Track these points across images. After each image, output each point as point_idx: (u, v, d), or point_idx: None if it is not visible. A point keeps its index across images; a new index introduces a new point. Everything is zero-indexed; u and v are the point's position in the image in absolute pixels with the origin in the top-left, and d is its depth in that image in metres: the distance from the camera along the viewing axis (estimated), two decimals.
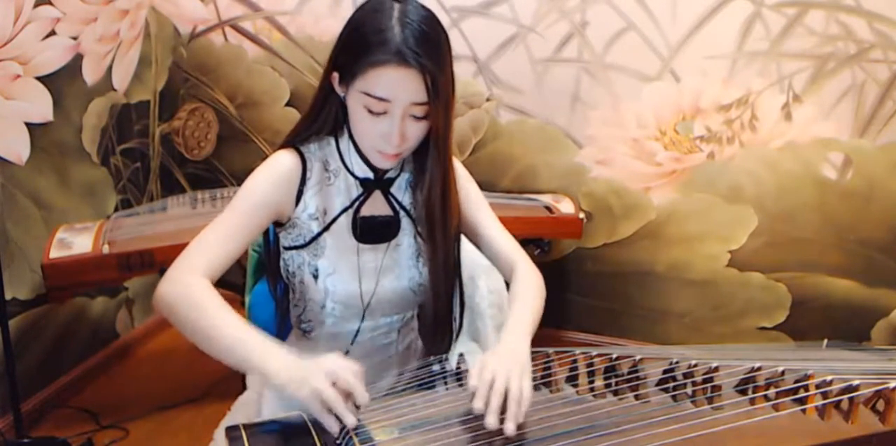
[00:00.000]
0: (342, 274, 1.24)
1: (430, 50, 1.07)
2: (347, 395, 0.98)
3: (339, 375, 0.98)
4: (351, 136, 1.23)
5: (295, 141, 1.23)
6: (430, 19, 1.11)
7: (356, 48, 1.09)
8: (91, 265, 1.86)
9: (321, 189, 1.23)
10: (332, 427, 0.96)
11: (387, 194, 1.27)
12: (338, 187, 1.24)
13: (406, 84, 1.07)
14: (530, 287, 1.22)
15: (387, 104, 1.09)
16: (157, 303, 1.09)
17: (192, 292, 1.07)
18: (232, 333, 1.03)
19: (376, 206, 1.26)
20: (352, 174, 1.24)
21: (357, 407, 0.99)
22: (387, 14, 1.09)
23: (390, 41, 1.06)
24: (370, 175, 1.25)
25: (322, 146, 1.24)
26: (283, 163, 1.20)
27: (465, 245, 1.41)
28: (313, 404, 0.96)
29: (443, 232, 1.24)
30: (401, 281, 1.27)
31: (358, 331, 1.30)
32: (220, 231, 1.16)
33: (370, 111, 1.11)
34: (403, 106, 1.09)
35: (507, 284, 1.29)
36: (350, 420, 0.95)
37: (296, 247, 1.25)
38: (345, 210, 1.24)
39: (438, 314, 1.28)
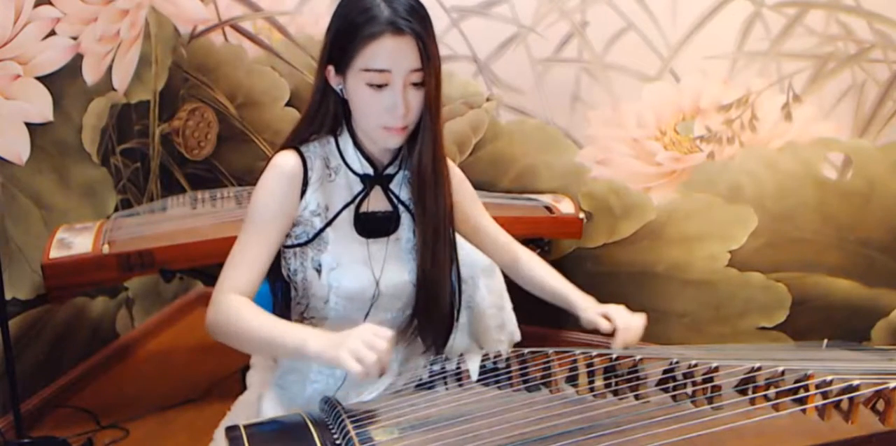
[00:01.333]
0: (345, 268, 1.25)
1: (419, 17, 1.15)
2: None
3: (373, 329, 1.04)
4: (351, 134, 1.25)
5: (294, 142, 1.24)
6: None
7: (348, 32, 1.15)
8: (91, 265, 1.87)
9: (322, 185, 1.25)
10: (371, 371, 1.00)
11: (386, 190, 1.29)
12: (339, 184, 1.26)
13: (403, 51, 1.13)
14: (545, 263, 1.45)
15: (387, 75, 1.14)
16: (208, 328, 1.18)
17: (227, 310, 1.16)
18: (268, 330, 1.12)
19: (376, 202, 1.29)
20: (352, 171, 1.26)
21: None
22: None
23: (380, 15, 1.13)
24: (370, 171, 1.27)
25: (322, 144, 1.26)
26: (284, 165, 1.23)
27: (465, 245, 1.42)
28: (350, 355, 1.00)
29: (434, 197, 1.27)
30: (401, 274, 1.29)
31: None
32: (244, 247, 1.22)
33: (372, 86, 1.15)
34: (403, 74, 1.14)
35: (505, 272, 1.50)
36: (384, 356, 1.01)
37: (298, 245, 1.26)
38: (346, 206, 1.26)
39: (434, 300, 1.30)
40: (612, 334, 1.27)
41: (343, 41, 1.16)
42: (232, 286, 1.18)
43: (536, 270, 1.44)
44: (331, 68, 1.20)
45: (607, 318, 1.29)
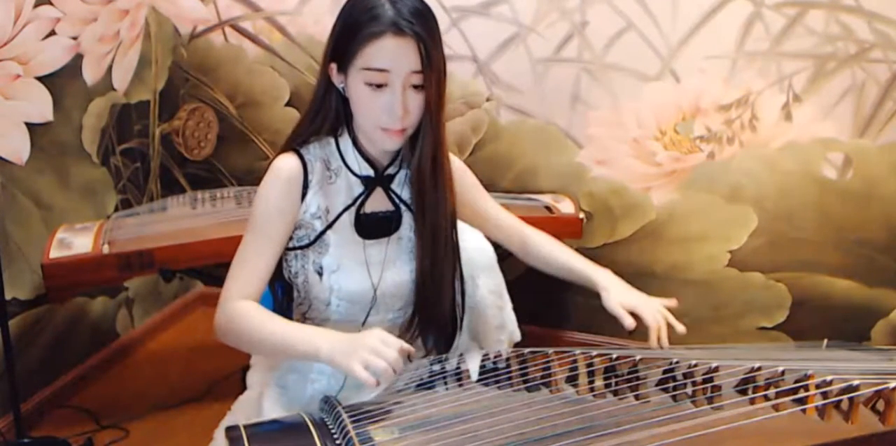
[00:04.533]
0: (347, 270, 1.25)
1: (422, 21, 1.14)
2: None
3: (387, 337, 1.06)
4: (351, 135, 1.25)
5: (294, 143, 1.25)
6: None
7: (351, 30, 1.15)
8: (91, 265, 1.87)
9: (322, 188, 1.25)
10: (382, 380, 1.03)
11: (387, 190, 1.29)
12: (339, 186, 1.26)
13: (403, 52, 1.13)
14: (556, 241, 1.46)
15: (387, 75, 1.14)
16: (217, 333, 1.22)
17: (236, 315, 1.18)
18: (277, 332, 1.15)
19: (378, 202, 1.29)
20: (353, 173, 1.26)
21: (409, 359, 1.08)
22: None
23: (383, 15, 1.13)
24: (371, 172, 1.27)
25: (322, 146, 1.26)
26: (285, 168, 1.23)
27: (465, 245, 1.42)
28: (361, 366, 1.02)
29: (433, 200, 1.26)
30: (402, 274, 1.29)
31: (363, 325, 1.31)
32: (248, 251, 1.23)
33: (371, 86, 1.15)
34: (403, 75, 1.14)
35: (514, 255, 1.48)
36: (410, 348, 1.06)
37: (299, 248, 1.26)
38: (347, 208, 1.26)
39: (435, 300, 1.30)
40: (632, 331, 1.27)
41: (345, 39, 1.16)
42: (239, 291, 1.20)
43: (547, 248, 1.44)
44: (333, 66, 1.20)
45: (633, 314, 1.28)
